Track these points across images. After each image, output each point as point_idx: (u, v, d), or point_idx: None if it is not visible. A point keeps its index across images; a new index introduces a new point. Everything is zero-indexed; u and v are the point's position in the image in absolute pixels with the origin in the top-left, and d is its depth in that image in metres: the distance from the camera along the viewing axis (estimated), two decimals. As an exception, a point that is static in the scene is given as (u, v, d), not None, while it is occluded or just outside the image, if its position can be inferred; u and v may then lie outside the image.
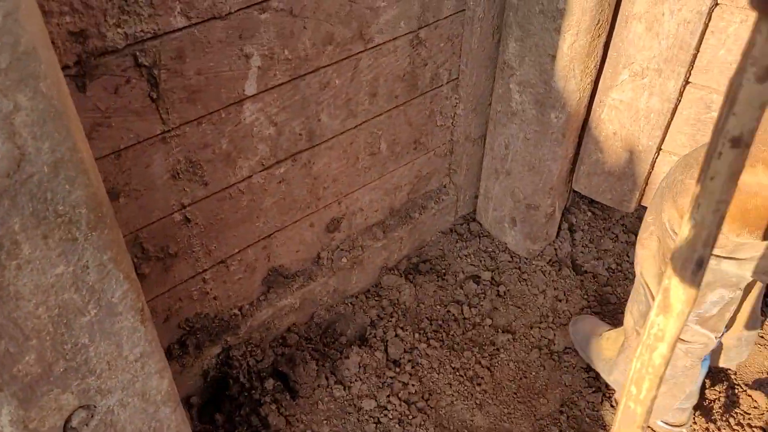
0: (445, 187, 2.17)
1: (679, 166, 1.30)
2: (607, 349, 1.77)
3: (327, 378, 1.82)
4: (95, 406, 1.01)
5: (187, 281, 1.61)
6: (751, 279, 1.30)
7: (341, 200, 1.85)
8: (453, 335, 2.00)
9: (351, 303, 2.03)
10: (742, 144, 0.65)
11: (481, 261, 2.19)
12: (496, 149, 2.04)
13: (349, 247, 1.96)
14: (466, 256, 2.20)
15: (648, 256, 1.40)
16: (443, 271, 2.17)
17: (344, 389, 1.82)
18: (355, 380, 1.84)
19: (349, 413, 1.78)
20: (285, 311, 1.85)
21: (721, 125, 0.65)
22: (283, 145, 1.58)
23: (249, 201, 1.60)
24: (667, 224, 1.28)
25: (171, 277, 1.56)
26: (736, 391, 1.88)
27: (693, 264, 0.74)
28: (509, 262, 2.18)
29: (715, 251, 1.25)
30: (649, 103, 1.73)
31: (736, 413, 1.82)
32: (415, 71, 1.77)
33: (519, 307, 2.09)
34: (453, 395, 1.86)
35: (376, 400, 1.81)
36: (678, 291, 0.79)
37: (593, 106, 1.86)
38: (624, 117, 1.81)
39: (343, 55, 1.56)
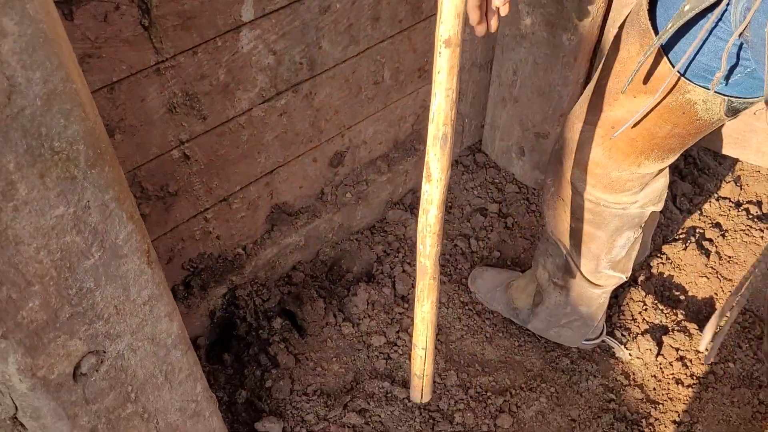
0: (449, 117, 2.09)
1: (565, 127, 1.38)
2: (517, 298, 1.79)
3: (335, 315, 1.80)
4: (105, 352, 0.97)
5: (189, 221, 1.55)
6: (648, 214, 1.43)
7: (344, 133, 1.77)
8: (461, 269, 1.97)
9: (356, 239, 1.98)
10: (452, 44, 0.91)
11: (487, 193, 2.14)
12: (503, 75, 1.95)
13: (353, 182, 1.90)
14: (472, 188, 2.15)
15: (554, 215, 1.50)
16: (449, 204, 2.12)
17: (353, 326, 1.79)
18: (364, 317, 1.81)
19: (359, 350, 1.77)
20: (290, 249, 1.81)
21: (436, 33, 0.91)
22: (283, 75, 1.50)
23: (249, 135, 1.53)
24: (574, 181, 1.39)
25: (172, 216, 1.50)
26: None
27: (440, 140, 0.97)
28: (517, 193, 2.13)
29: (622, 198, 1.36)
30: (666, 22, 1.65)
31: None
32: (419, -7, 1.67)
33: (527, 239, 2.05)
34: (462, 329, 1.84)
35: (385, 337, 1.79)
36: (434, 163, 0.99)
37: (606, 26, 1.76)
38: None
39: (344, -24, 1.46)
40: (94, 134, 0.78)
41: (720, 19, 0.99)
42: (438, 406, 1.68)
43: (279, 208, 1.75)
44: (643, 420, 1.69)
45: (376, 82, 1.75)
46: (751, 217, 2.10)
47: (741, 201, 2.16)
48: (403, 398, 1.67)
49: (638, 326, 1.85)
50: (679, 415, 1.69)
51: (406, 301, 1.88)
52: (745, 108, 1.10)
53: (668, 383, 1.75)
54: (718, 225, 2.09)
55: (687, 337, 1.80)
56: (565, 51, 1.76)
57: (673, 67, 1.08)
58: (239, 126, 1.49)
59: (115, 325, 0.95)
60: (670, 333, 1.82)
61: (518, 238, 2.05)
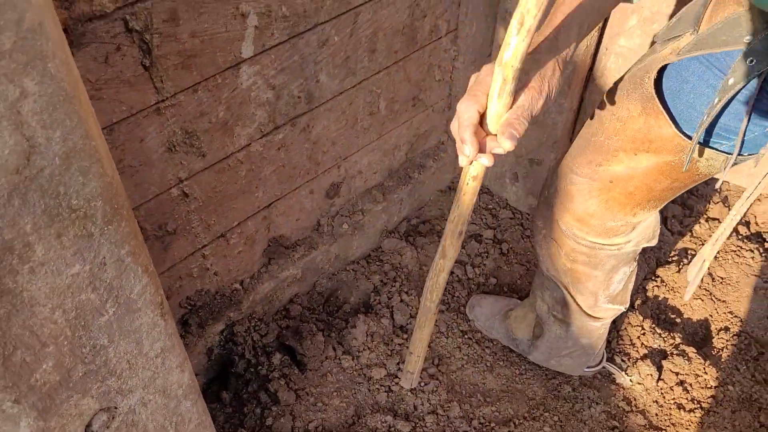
0: (443, 143, 2.09)
1: (555, 176, 1.38)
2: (516, 328, 1.78)
3: (334, 349, 1.77)
4: (116, 408, 0.93)
5: (187, 258, 1.52)
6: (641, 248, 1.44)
7: (340, 164, 1.76)
8: (458, 297, 1.96)
9: (353, 269, 1.96)
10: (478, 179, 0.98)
11: (482, 219, 2.13)
12: (496, 103, 1.96)
13: (350, 212, 1.88)
14: (465, 214, 2.14)
15: (548, 255, 1.50)
16: (443, 231, 2.11)
17: (353, 359, 1.77)
18: (363, 349, 1.79)
19: (360, 383, 1.74)
20: (287, 282, 1.78)
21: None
22: (282, 110, 1.48)
23: (248, 171, 1.51)
24: (566, 230, 1.39)
25: (170, 255, 1.47)
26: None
27: (458, 234, 1.08)
28: (511, 218, 2.13)
29: (616, 240, 1.37)
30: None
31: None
32: (414, 24, 1.67)
33: (523, 265, 2.05)
34: (463, 359, 1.83)
35: (385, 368, 1.77)
36: (450, 249, 1.11)
37: (599, 54, 1.78)
38: (631, 65, 1.74)
39: (342, 9, 1.45)
40: (111, 189, 0.75)
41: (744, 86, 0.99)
42: (442, 439, 1.66)
43: (276, 242, 1.73)
44: (647, 446, 1.69)
45: (372, 112, 1.74)
46: (740, 237, 2.13)
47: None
48: (407, 432, 1.65)
49: (637, 351, 1.86)
50: (682, 440, 1.70)
51: (405, 331, 1.86)
52: (745, 161, 1.11)
53: (670, 408, 1.75)
54: (709, 246, 2.11)
55: (686, 361, 1.80)
56: (559, 79, 1.76)
57: (680, 130, 1.08)
58: (238, 162, 1.47)
59: (128, 380, 0.92)
60: (669, 357, 1.83)
61: (514, 264, 2.05)
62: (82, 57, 1.07)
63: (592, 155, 1.26)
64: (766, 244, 2.10)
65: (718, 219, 2.18)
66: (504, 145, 0.89)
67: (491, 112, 0.90)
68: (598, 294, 1.51)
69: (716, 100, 1.00)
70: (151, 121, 1.24)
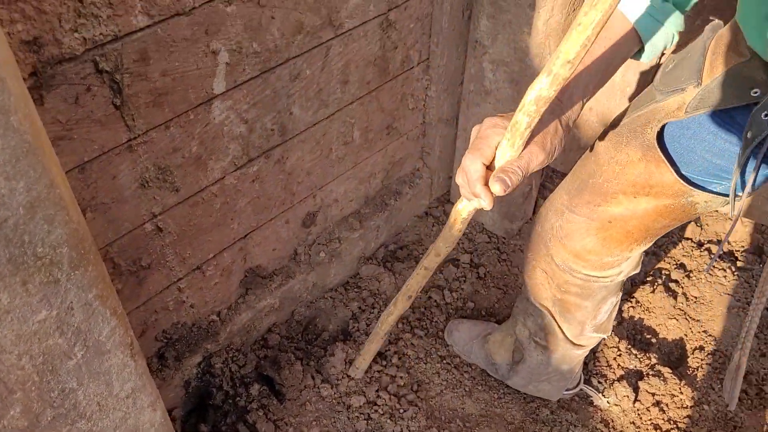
0: (418, 170, 2.11)
1: (549, 212, 1.39)
2: (496, 353, 1.79)
3: (313, 377, 1.77)
4: (87, 450, 0.93)
5: (162, 292, 1.52)
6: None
7: (316, 193, 1.77)
8: (437, 322, 1.97)
9: (331, 297, 1.97)
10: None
11: (459, 243, 2.15)
12: (469, 129, 1.99)
13: (326, 241, 1.90)
14: (442, 239, 2.16)
15: (536, 284, 1.52)
16: (421, 256, 2.12)
17: (332, 387, 1.77)
18: (342, 377, 1.79)
19: (339, 412, 1.74)
20: (265, 312, 1.78)
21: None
22: (255, 143, 1.50)
23: (222, 203, 1.52)
24: (562, 264, 1.40)
25: (145, 290, 1.47)
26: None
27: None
28: (487, 243, 2.15)
29: (609, 272, 1.39)
30: (625, 77, 1.71)
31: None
32: (386, 55, 1.70)
33: (500, 289, 2.07)
34: (442, 384, 1.84)
35: (365, 396, 1.77)
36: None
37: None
38: (600, 91, 1.77)
39: (313, 43, 1.48)
40: (77, 236, 0.76)
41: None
42: (422, 466, 1.66)
43: (253, 272, 1.73)
44: (626, 468, 1.70)
45: (346, 142, 1.76)
46: (712, 256, 2.16)
47: (702, 241, 2.22)
48: (387, 460, 1.65)
49: (614, 372, 1.87)
50: (659, 461, 1.71)
51: (384, 358, 1.86)
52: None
53: (647, 429, 1.77)
54: (682, 266, 2.15)
55: (662, 382, 1.82)
56: (529, 106, 1.80)
57: (680, 175, 1.10)
58: (212, 195, 1.48)
59: (98, 422, 0.92)
60: (646, 378, 1.85)
61: (491, 288, 2.06)
62: (52, 98, 1.08)
63: (590, 196, 1.27)
64: (738, 263, 2.14)
65: (690, 238, 2.22)
66: (493, 188, 0.91)
67: (504, 159, 0.93)
68: (586, 324, 1.53)
69: (740, 153, 1.00)
70: (124, 158, 1.25)
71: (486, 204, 0.95)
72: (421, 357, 1.88)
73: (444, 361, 1.88)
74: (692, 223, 2.24)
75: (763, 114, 0.94)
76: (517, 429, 1.76)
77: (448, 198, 2.25)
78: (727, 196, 1.10)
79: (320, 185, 1.77)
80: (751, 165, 1.02)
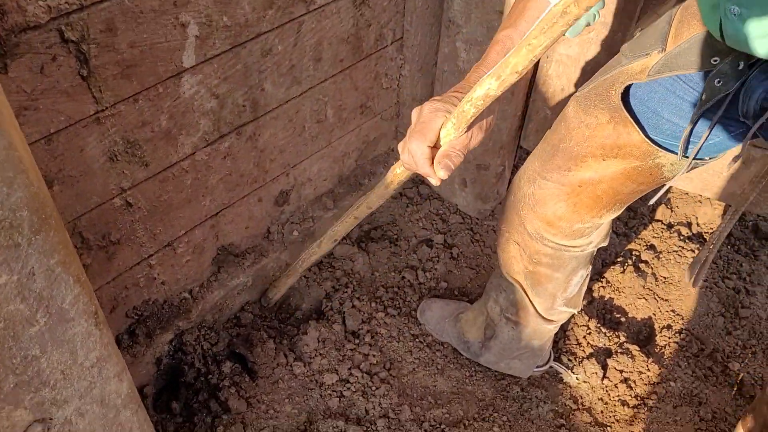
0: (393, 150, 2.12)
1: (521, 181, 1.42)
2: (468, 331, 1.82)
3: (286, 356, 1.78)
4: (51, 419, 0.93)
5: (133, 268, 1.51)
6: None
7: (289, 172, 1.77)
8: (410, 302, 1.98)
9: (304, 276, 1.97)
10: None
11: (432, 224, 2.16)
12: (443, 110, 1.99)
13: (300, 220, 1.90)
14: (417, 220, 2.17)
15: (509, 258, 1.53)
16: (395, 236, 2.13)
17: (304, 365, 1.77)
18: (315, 355, 1.80)
19: (311, 389, 1.75)
20: (237, 290, 1.78)
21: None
22: (227, 118, 1.49)
23: (193, 179, 1.51)
24: (534, 233, 1.42)
25: (115, 265, 1.46)
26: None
27: None
28: (461, 223, 2.16)
29: (579, 241, 1.42)
30: (596, 56, 1.72)
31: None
32: (359, 33, 1.70)
33: (473, 269, 2.08)
34: (414, 362, 1.85)
35: (337, 374, 1.78)
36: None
37: (540, 62, 1.83)
38: (571, 72, 1.79)
39: (285, 18, 1.47)
40: (38, 199, 0.76)
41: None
42: (393, 442, 1.68)
43: (225, 250, 1.73)
44: (593, 443, 1.73)
45: (320, 120, 1.75)
46: (682, 238, 2.20)
47: (672, 223, 2.25)
48: (358, 437, 1.66)
49: (583, 350, 1.90)
50: (626, 436, 1.74)
51: (357, 336, 1.87)
52: (704, 164, 1.16)
53: (614, 405, 1.80)
54: (652, 247, 2.18)
55: (630, 359, 1.86)
56: (502, 86, 1.81)
57: (647, 136, 1.13)
58: (182, 171, 1.47)
59: (63, 391, 0.92)
60: (614, 356, 1.88)
61: (464, 268, 2.08)
62: (17, 67, 1.06)
63: (561, 161, 1.29)
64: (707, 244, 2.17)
65: (661, 220, 2.25)
66: (439, 174, 1.05)
67: (447, 139, 1.05)
68: (557, 296, 1.55)
69: (693, 115, 1.05)
70: (91, 130, 1.24)
71: (434, 182, 1.08)
72: (394, 336, 1.89)
73: (416, 340, 1.90)
74: (662, 205, 2.28)
75: (716, 81, 0.99)
76: (487, 406, 1.78)
77: (421, 179, 2.26)
78: (694, 158, 1.13)
79: (293, 163, 1.77)
80: (705, 125, 1.07)
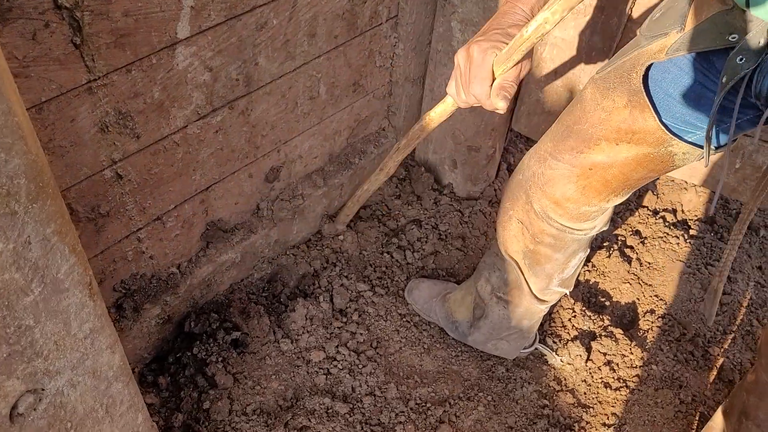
0: (384, 130, 2.11)
1: (532, 160, 1.41)
2: (456, 311, 1.83)
3: (274, 332, 1.78)
4: (43, 389, 0.92)
5: (121, 241, 1.50)
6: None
7: (280, 148, 1.76)
8: (397, 281, 1.99)
9: (293, 254, 1.97)
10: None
11: (421, 204, 2.17)
12: (436, 90, 1.99)
13: (290, 197, 1.89)
14: (406, 200, 2.17)
15: (510, 236, 1.53)
16: (384, 217, 2.13)
17: (291, 342, 1.78)
18: (302, 333, 1.80)
19: (298, 366, 1.75)
20: (226, 266, 1.77)
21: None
22: (220, 92, 1.47)
23: (184, 153, 1.49)
24: (540, 212, 1.43)
25: (103, 238, 1.45)
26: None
27: None
28: (450, 204, 2.17)
29: (584, 225, 1.42)
30: (591, 41, 1.72)
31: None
32: (355, 9, 1.68)
33: (461, 250, 2.09)
34: (401, 341, 1.86)
35: (324, 352, 1.78)
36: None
37: (535, 45, 1.82)
38: (565, 55, 1.79)
39: (281, -8, 1.45)
40: (36, 167, 0.75)
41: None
42: (379, 419, 1.69)
43: (214, 225, 1.72)
44: (576, 424, 1.75)
45: (312, 97, 1.74)
46: (667, 224, 2.22)
47: (658, 209, 2.27)
48: (345, 413, 1.67)
49: (568, 333, 1.92)
50: (608, 418, 1.77)
51: (345, 314, 1.88)
52: (715, 154, 1.16)
53: (597, 387, 1.83)
54: (638, 232, 2.20)
55: (614, 342, 1.88)
56: (496, 68, 1.80)
57: (662, 123, 1.13)
58: (174, 144, 1.45)
59: (55, 362, 0.91)
60: (598, 338, 1.90)
61: (452, 249, 2.09)
62: (9, 33, 1.04)
63: (574, 142, 1.29)
64: (691, 231, 2.20)
65: (647, 206, 2.27)
66: (498, 105, 1.15)
67: (500, 73, 1.14)
68: (553, 277, 1.56)
69: (716, 96, 1.03)
70: (83, 100, 1.22)
71: (501, 112, 1.18)
72: (381, 315, 1.90)
73: (404, 319, 1.91)
74: (649, 191, 2.30)
75: (738, 58, 0.97)
76: (473, 386, 1.80)
77: (412, 157, 2.25)
78: (700, 146, 1.14)
79: (285, 140, 1.75)
80: (727, 114, 1.06)
